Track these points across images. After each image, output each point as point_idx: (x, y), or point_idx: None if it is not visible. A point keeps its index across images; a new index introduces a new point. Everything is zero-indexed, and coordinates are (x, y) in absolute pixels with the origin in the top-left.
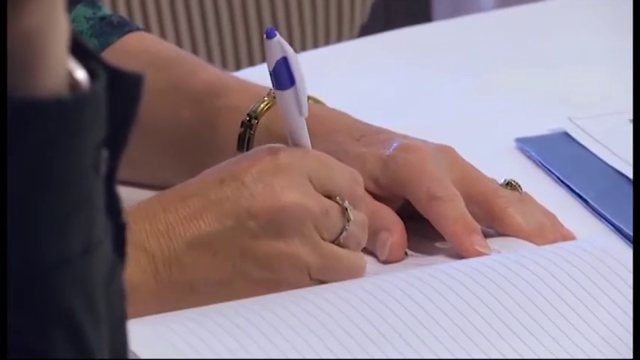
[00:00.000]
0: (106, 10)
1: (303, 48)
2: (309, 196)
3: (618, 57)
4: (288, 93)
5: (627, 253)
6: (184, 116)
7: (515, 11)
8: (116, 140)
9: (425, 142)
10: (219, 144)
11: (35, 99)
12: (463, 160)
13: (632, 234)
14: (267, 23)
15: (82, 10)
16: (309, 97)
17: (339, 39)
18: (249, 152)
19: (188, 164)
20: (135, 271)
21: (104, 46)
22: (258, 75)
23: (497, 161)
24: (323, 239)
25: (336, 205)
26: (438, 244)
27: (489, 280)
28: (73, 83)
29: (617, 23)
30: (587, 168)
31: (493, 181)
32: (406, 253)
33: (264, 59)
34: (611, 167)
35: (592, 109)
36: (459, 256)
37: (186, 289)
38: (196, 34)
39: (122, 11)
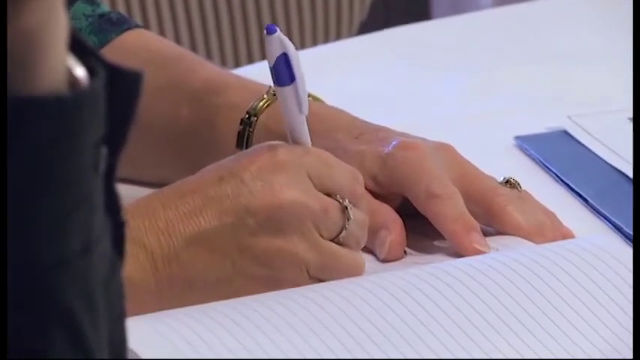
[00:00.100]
0: (105, 7)
1: (302, 46)
2: (308, 194)
3: (618, 55)
4: (288, 90)
5: (627, 251)
6: (183, 114)
7: (513, 9)
8: (115, 138)
9: (424, 139)
10: (219, 141)
11: (35, 97)
12: (462, 158)
13: (631, 232)
14: (267, 21)
15: (80, 7)
16: (308, 95)
17: (338, 37)
18: (249, 150)
19: (187, 162)
20: (134, 268)
21: (103, 43)
22: (258, 72)
23: (497, 159)
24: (322, 237)
25: (335, 203)
26: (437, 243)
27: (488, 278)
28: (73, 81)
29: (616, 21)
30: (586, 166)
31: (492, 179)
32: (405, 252)
33: (263, 57)
34: (611, 166)
35: (591, 108)
36: (458, 255)
37: (185, 286)
38: (195, 31)
39: (121, 8)
